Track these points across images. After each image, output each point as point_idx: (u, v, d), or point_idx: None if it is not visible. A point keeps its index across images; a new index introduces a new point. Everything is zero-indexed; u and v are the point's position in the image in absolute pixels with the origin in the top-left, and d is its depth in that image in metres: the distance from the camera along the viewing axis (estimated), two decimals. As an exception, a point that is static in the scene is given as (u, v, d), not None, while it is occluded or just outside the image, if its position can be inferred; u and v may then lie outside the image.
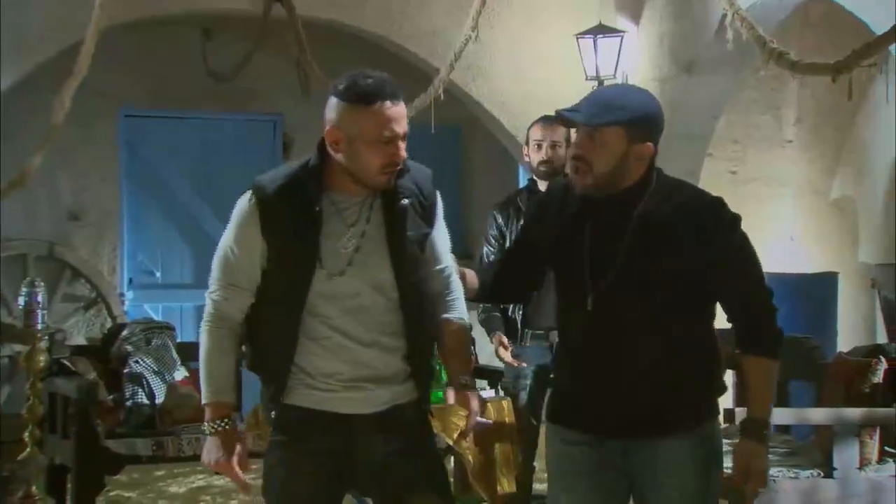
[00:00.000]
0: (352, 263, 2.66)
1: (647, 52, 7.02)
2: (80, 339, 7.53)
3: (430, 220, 2.77)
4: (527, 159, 4.76)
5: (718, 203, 2.74)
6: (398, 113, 2.61)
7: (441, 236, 2.83)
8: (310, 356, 2.68)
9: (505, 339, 4.69)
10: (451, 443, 4.40)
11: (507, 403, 4.59)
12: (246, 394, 5.81)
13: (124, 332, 4.87)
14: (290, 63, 6.94)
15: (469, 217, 9.16)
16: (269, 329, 2.71)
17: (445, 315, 2.81)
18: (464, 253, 8.93)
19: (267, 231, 2.66)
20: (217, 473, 2.87)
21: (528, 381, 4.60)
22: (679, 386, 2.65)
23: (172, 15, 7.28)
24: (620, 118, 2.63)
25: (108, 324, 7.55)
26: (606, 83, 6.95)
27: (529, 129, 4.78)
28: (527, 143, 4.76)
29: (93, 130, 7.99)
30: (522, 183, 8.58)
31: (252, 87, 8.17)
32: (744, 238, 2.75)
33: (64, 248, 8.03)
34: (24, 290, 4.44)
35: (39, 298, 4.43)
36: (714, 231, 2.66)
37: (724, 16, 5.37)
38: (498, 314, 4.74)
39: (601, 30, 6.80)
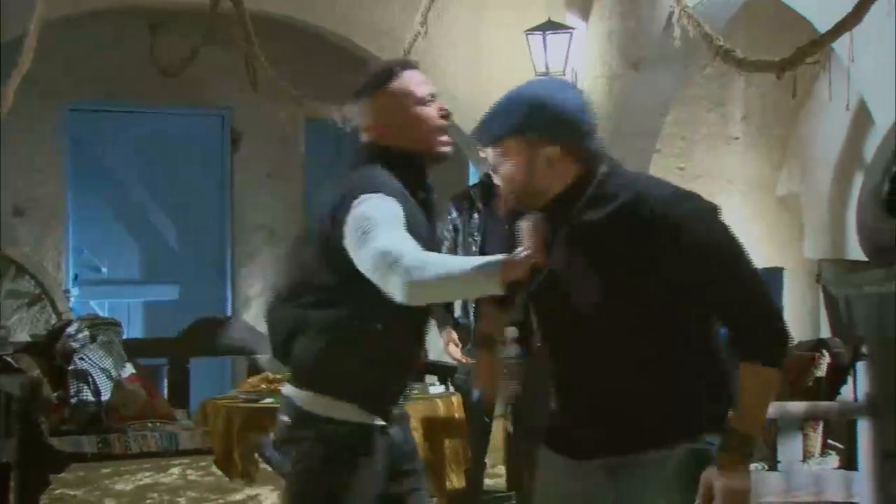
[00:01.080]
0: None
1: (596, 49, 7.05)
2: (23, 336, 7.42)
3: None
4: (482, 155, 4.75)
5: (672, 197, 2.34)
6: (423, 76, 2.67)
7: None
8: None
9: (455, 336, 4.69)
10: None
11: (456, 399, 4.59)
12: (193, 388, 5.80)
13: (70, 329, 4.82)
14: (238, 57, 6.89)
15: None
16: (394, 345, 2.62)
17: None
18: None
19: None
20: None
21: None
22: (648, 402, 2.35)
23: (118, 8, 7.20)
24: (509, 127, 2.36)
25: (53, 321, 7.45)
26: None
27: None
28: None
29: (37, 125, 7.87)
30: (473, 178, 8.61)
31: (200, 80, 8.09)
32: (710, 231, 2.30)
33: (8, 244, 7.91)
34: (-35, 287, 4.37)
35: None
36: (658, 229, 2.28)
37: (672, 13, 5.42)
38: (448, 312, 4.74)
39: (550, 26, 6.82)
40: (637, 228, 2.28)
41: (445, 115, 2.63)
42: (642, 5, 6.54)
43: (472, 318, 4.67)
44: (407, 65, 2.67)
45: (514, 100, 2.40)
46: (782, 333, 2.29)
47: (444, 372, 4.79)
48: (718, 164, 7.39)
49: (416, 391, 4.58)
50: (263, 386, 4.41)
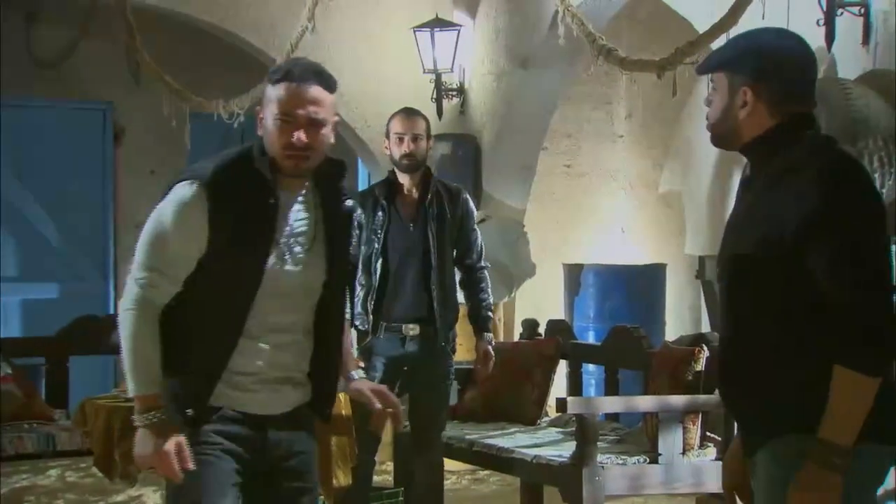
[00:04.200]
0: (294, 261, 2.66)
1: (484, 46, 7.10)
2: None
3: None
4: (387, 152, 4.72)
5: (835, 159, 2.22)
6: (305, 96, 2.60)
7: None
8: (238, 356, 2.63)
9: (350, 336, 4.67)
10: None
11: (343, 396, 4.57)
12: (73, 388, 5.65)
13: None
14: (120, 50, 6.75)
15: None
16: (204, 324, 2.62)
17: None
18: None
19: (215, 220, 2.59)
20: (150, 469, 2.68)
21: (378, 374, 4.58)
22: (771, 384, 2.23)
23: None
24: (722, 59, 2.33)
25: (-75, 320, 7.18)
26: (445, 77, 7.02)
27: (389, 121, 4.70)
28: (387, 136, 4.70)
29: None
30: (361, 174, 8.58)
31: (80, 74, 7.89)
32: (846, 202, 2.15)
33: None
34: None
35: None
36: (808, 192, 2.15)
37: (557, 12, 5.49)
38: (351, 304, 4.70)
39: (438, 23, 6.85)
40: (810, 202, 2.16)
41: (296, 144, 2.60)
42: (528, 4, 6.61)
43: (370, 314, 4.62)
44: (299, 78, 2.62)
45: (741, 37, 2.39)
46: (884, 338, 2.13)
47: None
48: (603, 162, 7.51)
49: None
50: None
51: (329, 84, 2.66)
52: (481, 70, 7.11)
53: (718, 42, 4.47)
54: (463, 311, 4.79)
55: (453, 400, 5.16)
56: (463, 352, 5.02)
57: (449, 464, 4.99)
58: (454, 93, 7.18)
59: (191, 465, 2.57)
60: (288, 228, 2.67)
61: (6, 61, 7.77)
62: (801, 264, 2.16)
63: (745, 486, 2.39)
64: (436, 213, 4.60)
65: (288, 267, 2.66)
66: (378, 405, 2.80)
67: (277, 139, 2.61)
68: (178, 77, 6.74)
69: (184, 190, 2.62)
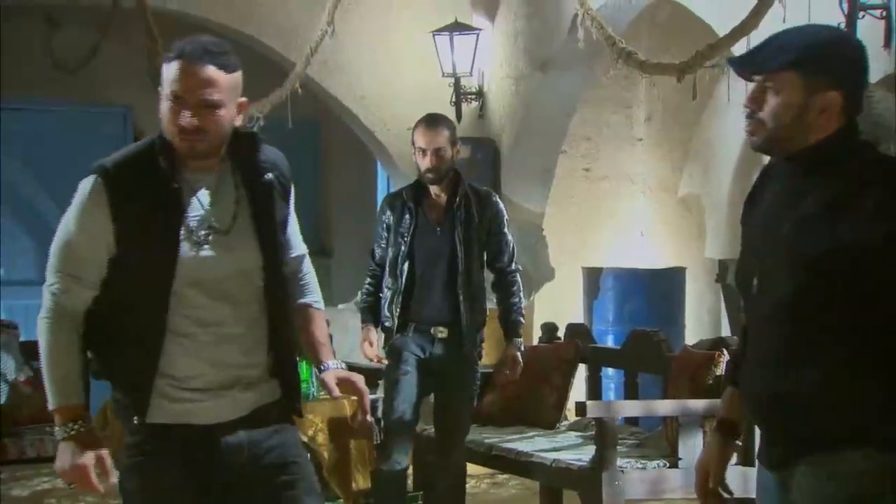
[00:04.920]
0: (216, 246, 2.48)
1: (503, 50, 7.09)
2: (-84, 340, 7.19)
3: (287, 202, 2.62)
4: (415, 160, 4.70)
5: None
6: (197, 76, 2.42)
7: (293, 221, 2.68)
8: (171, 357, 2.46)
9: (372, 335, 4.66)
10: (305, 439, 4.36)
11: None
12: (94, 391, 5.66)
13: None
14: (140, 54, 6.76)
15: (327, 212, 9.11)
16: (125, 326, 2.47)
17: (303, 300, 2.68)
18: (320, 249, 8.96)
19: (118, 214, 2.44)
20: (71, 484, 2.53)
21: (409, 369, 4.55)
22: (820, 395, 2.14)
23: (14, 3, 7.01)
24: (790, 58, 2.14)
25: (-53, 323, 7.22)
26: (464, 81, 7.02)
27: (413, 131, 4.66)
28: (413, 145, 4.65)
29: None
30: (381, 178, 8.59)
31: (100, 78, 7.92)
32: None
33: None
34: None
35: None
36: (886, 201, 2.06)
37: (577, 15, 5.48)
38: (374, 307, 4.70)
39: (457, 27, 6.85)
40: (872, 207, 2.08)
41: (184, 126, 2.43)
42: (547, 7, 6.60)
43: (396, 317, 4.61)
44: (189, 56, 2.44)
45: (798, 33, 2.23)
46: None
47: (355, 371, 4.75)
48: (622, 165, 7.49)
49: (322, 392, 4.55)
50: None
51: (225, 63, 2.47)
52: (500, 73, 7.11)
53: (739, 45, 4.46)
54: (491, 314, 4.77)
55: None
56: (487, 356, 5.00)
57: (469, 468, 4.99)
58: (473, 96, 7.18)
59: (113, 479, 2.44)
60: (203, 213, 2.49)
61: (27, 65, 7.82)
62: (884, 278, 2.08)
63: (716, 493, 2.38)
64: (464, 217, 4.58)
65: (206, 253, 2.47)
66: (337, 392, 2.59)
67: (169, 121, 2.45)
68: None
69: (84, 186, 2.49)
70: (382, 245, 4.70)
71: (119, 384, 2.53)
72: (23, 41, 7.85)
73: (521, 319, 4.70)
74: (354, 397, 2.62)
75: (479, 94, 7.21)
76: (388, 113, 7.16)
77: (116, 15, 6.63)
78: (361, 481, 4.36)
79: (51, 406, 2.48)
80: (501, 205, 4.75)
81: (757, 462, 2.36)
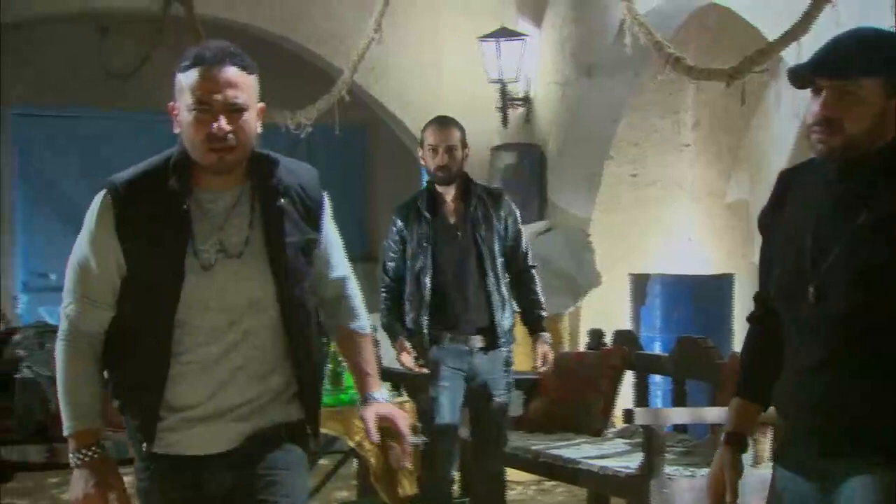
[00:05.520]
0: (225, 272, 2.34)
1: (549, 55, 7.08)
2: (-30, 344, 7.30)
3: (315, 224, 2.46)
4: (422, 162, 4.72)
5: None
6: (221, 79, 2.29)
7: (333, 242, 2.55)
8: (174, 384, 2.35)
9: (408, 345, 4.63)
10: (353, 445, 4.37)
11: (410, 405, 4.58)
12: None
13: (16, 337, 4.75)
14: (189, 62, 6.83)
15: (374, 218, 9.14)
16: (132, 351, 2.36)
17: (347, 325, 2.58)
18: (368, 255, 8.98)
19: (123, 233, 2.34)
20: None
21: (445, 384, 4.51)
22: (882, 405, 2.12)
23: (68, 13, 7.11)
24: (872, 65, 2.12)
25: (0, 328, 7.33)
26: (510, 86, 7.02)
27: (423, 131, 4.67)
28: (421, 146, 4.67)
29: (-18, 129, 7.77)
30: (425, 183, 8.59)
31: (150, 85, 7.99)
32: None
33: (-47, 251, 7.79)
34: None
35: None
36: None
37: (623, 20, 5.46)
38: (399, 320, 4.66)
39: (504, 33, 6.85)
40: None
41: (216, 134, 2.30)
42: (594, 12, 6.58)
43: (425, 329, 4.60)
44: (210, 60, 2.30)
45: (875, 39, 2.19)
46: None
47: (397, 378, 4.77)
48: (670, 171, 7.44)
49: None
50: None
51: (246, 64, 2.36)
52: (546, 79, 7.10)
53: (790, 50, 4.42)
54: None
55: (519, 410, 5.13)
56: (525, 361, 4.99)
57: (515, 474, 4.98)
58: (519, 102, 7.18)
59: None
60: (213, 235, 2.35)
61: (80, 74, 7.94)
62: None
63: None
64: (482, 219, 4.54)
65: (214, 278, 2.33)
66: (374, 436, 2.49)
67: (195, 132, 2.30)
68: (247, 88, 6.81)
69: (94, 202, 2.39)
70: (396, 258, 4.65)
71: (128, 409, 2.44)
72: (76, 50, 7.97)
73: (545, 314, 4.67)
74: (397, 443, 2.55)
75: (526, 100, 7.21)
76: (433, 117, 7.17)
77: (166, 23, 6.71)
78: (408, 487, 4.36)
79: (65, 431, 2.38)
80: (513, 204, 4.72)
81: (775, 467, 2.33)
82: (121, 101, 8.08)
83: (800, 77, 2.20)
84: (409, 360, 4.61)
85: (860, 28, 2.25)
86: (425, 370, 4.62)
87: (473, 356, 4.57)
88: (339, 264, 2.58)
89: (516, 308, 4.70)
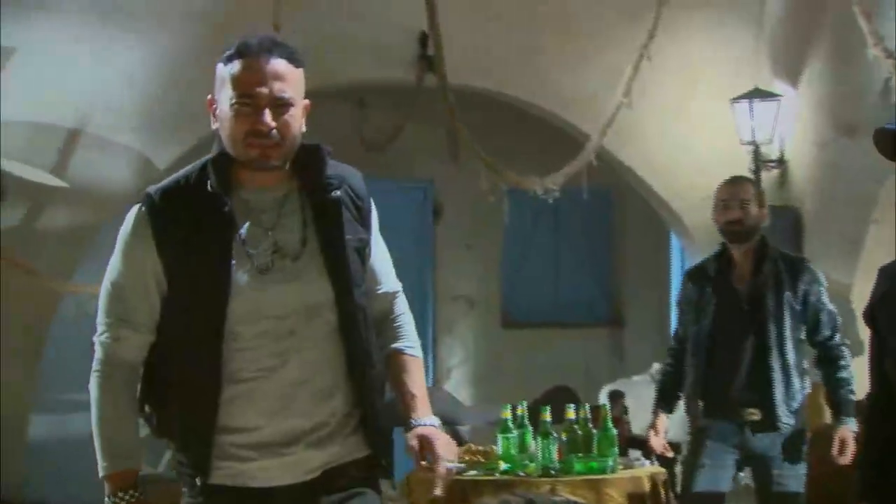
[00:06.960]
0: (280, 276, 2.15)
1: (806, 115, 6.84)
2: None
3: (366, 225, 2.29)
4: (715, 224, 4.40)
5: None
6: (267, 70, 2.13)
7: (381, 251, 2.35)
8: (227, 407, 2.14)
9: (661, 425, 4.40)
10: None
11: (662, 476, 4.45)
12: (398, 457, 5.79)
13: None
14: (440, 130, 7.02)
15: (619, 281, 9.04)
16: (178, 376, 2.16)
17: (396, 346, 2.33)
18: (613, 319, 8.88)
19: (163, 245, 2.14)
20: None
21: (707, 461, 4.20)
22: None
23: (328, 88, 7.46)
24: None
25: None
26: (764, 148, 6.82)
27: (716, 191, 4.40)
28: (715, 207, 4.37)
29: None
30: (675, 247, 8.43)
31: (403, 154, 8.29)
32: None
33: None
34: None
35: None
36: None
37: (889, 78, 5.21)
38: (671, 387, 4.43)
39: (757, 94, 6.69)
40: None
41: (259, 129, 2.13)
42: (856, 71, 6.32)
43: (697, 401, 4.33)
44: (256, 52, 2.12)
45: None
46: None
47: (646, 447, 4.62)
48: (941, 234, 7.00)
49: (620, 465, 4.46)
50: (467, 457, 4.36)
51: (293, 56, 2.18)
52: (803, 139, 6.85)
53: None
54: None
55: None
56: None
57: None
58: (773, 163, 6.95)
59: None
60: (265, 237, 2.16)
61: (339, 145, 8.27)
62: None
63: None
64: (773, 287, 4.22)
65: (268, 284, 2.13)
66: (422, 462, 2.21)
67: (237, 127, 2.13)
68: (494, 153, 6.93)
69: (129, 216, 2.20)
70: (684, 322, 4.43)
71: (178, 443, 2.22)
72: (336, 123, 8.35)
73: (853, 397, 4.20)
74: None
75: (780, 161, 6.97)
76: (684, 182, 7.05)
77: (420, 94, 6.93)
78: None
79: (100, 472, 2.18)
80: (819, 273, 4.34)
81: None
82: (376, 169, 8.38)
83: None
84: (657, 441, 4.41)
85: None
86: (670, 454, 4.45)
87: (746, 432, 4.21)
88: (388, 278, 2.38)
89: (807, 387, 4.29)
